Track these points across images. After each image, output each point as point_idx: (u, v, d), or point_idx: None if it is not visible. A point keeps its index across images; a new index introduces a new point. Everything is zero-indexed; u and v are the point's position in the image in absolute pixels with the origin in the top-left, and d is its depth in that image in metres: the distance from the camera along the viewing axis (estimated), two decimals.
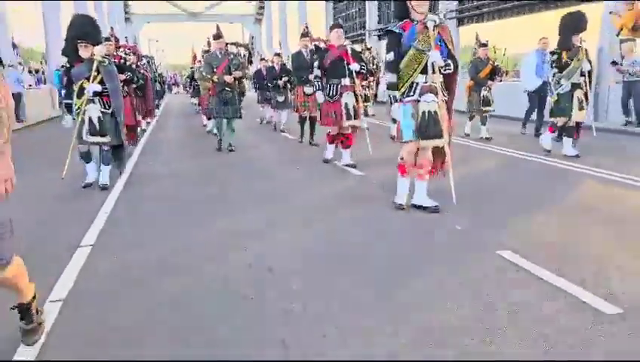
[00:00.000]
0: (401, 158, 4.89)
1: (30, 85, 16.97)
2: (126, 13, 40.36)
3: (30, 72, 19.98)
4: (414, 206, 4.88)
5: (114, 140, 5.99)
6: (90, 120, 5.79)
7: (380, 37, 22.71)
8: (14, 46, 17.21)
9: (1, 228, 2.27)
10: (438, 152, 4.87)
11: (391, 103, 4.86)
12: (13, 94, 12.08)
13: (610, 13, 11.31)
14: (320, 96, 7.11)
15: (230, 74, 8.50)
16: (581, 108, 7.45)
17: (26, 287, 2.60)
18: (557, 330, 2.58)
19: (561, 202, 5.24)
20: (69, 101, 6.02)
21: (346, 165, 7.08)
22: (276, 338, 2.56)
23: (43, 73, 21.33)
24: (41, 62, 22.47)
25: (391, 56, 4.70)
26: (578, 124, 7.64)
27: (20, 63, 16.82)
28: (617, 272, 3.32)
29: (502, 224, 4.43)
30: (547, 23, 9.71)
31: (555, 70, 7.41)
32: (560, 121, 7.63)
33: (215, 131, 9.57)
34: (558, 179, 6.38)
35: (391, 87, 4.77)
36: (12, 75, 14.49)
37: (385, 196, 5.27)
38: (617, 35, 10.97)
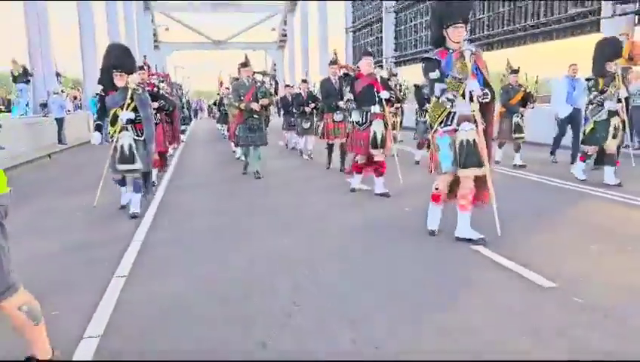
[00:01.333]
0: (436, 188, 4.83)
1: (69, 111, 17.75)
2: (155, 41, 41.81)
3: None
4: (459, 238, 4.71)
5: (146, 167, 6.02)
6: (122, 148, 5.84)
7: (396, 63, 23.33)
8: (58, 75, 18.07)
9: None
10: (478, 182, 4.73)
11: (423, 132, 4.72)
12: (57, 119, 12.42)
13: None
14: (356, 115, 6.96)
15: (257, 101, 8.54)
16: (614, 137, 7.24)
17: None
18: None
19: (609, 234, 5.03)
20: (99, 122, 6.12)
21: (380, 193, 6.95)
22: None
23: (80, 100, 22.27)
24: (78, 90, 23.50)
25: (436, 73, 4.58)
26: (617, 151, 7.39)
27: (62, 91, 17.75)
28: None
29: (548, 256, 4.25)
30: (567, 50, 9.76)
31: (596, 93, 7.22)
32: (591, 150, 7.41)
33: (243, 158, 9.61)
34: (603, 208, 6.15)
35: (445, 91, 4.55)
36: (57, 102, 15.21)
37: (419, 224, 5.14)
38: (616, 64, 11.09)
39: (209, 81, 55.09)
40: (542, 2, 14.47)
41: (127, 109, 5.81)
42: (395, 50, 24.18)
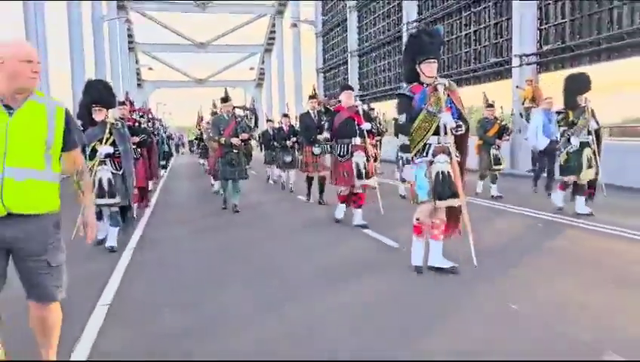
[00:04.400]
0: (417, 219, 4.82)
1: None
2: (138, 80, 43.39)
3: None
4: (431, 268, 4.75)
5: (123, 201, 5.96)
6: (100, 182, 5.80)
7: (363, 100, 25.37)
8: None
9: (63, 265, 2.71)
10: (452, 212, 4.80)
11: (403, 165, 4.82)
12: None
13: (517, 87, 14.52)
14: (327, 159, 7.18)
15: (237, 136, 8.59)
16: (589, 167, 7.43)
17: (56, 343, 2.77)
18: None
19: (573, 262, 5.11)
20: None
21: (358, 225, 6.99)
22: None
23: None
24: None
25: (403, 118, 4.72)
26: (591, 182, 7.57)
27: None
28: None
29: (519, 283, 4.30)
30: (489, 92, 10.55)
31: (565, 128, 7.45)
32: (570, 179, 7.61)
33: (221, 192, 9.58)
34: (573, 237, 6.27)
35: (404, 148, 4.75)
36: None
37: (400, 258, 5.15)
38: (522, 104, 13.68)
39: (190, 116, 55.74)
40: (471, 52, 18.17)
41: (106, 143, 5.80)
42: (360, 90, 26.20)
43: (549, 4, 14.26)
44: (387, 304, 4.03)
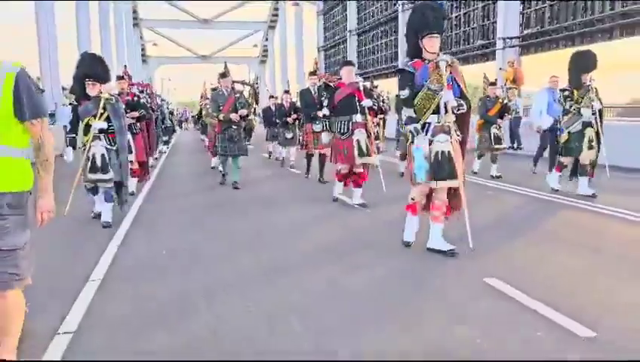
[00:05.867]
0: (412, 199, 4.75)
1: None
2: (143, 56, 43.48)
3: None
4: (430, 249, 4.68)
5: (116, 176, 5.91)
6: (94, 157, 5.74)
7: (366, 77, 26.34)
8: (63, 89, 18.30)
9: (20, 250, 2.44)
10: (452, 193, 4.70)
11: (413, 137, 4.59)
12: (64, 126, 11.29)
13: (500, 69, 15.17)
14: (325, 137, 7.17)
15: (236, 112, 8.47)
16: (590, 148, 7.29)
17: (16, 331, 2.54)
18: None
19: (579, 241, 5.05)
20: (73, 135, 6.00)
21: (358, 204, 6.91)
22: None
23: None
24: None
25: (406, 92, 4.60)
26: (591, 163, 7.44)
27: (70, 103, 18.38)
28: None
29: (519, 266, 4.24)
30: (556, 61, 10.48)
31: (571, 102, 7.30)
32: (567, 160, 7.48)
33: (220, 168, 9.52)
34: (576, 218, 6.19)
35: (411, 120, 4.58)
36: (65, 112, 15.11)
37: (394, 237, 5.10)
38: (504, 85, 13.99)
39: (194, 91, 55.70)
40: (461, 34, 18.98)
41: (99, 119, 5.72)
42: (358, 68, 26.35)
43: None
44: (385, 283, 4.00)
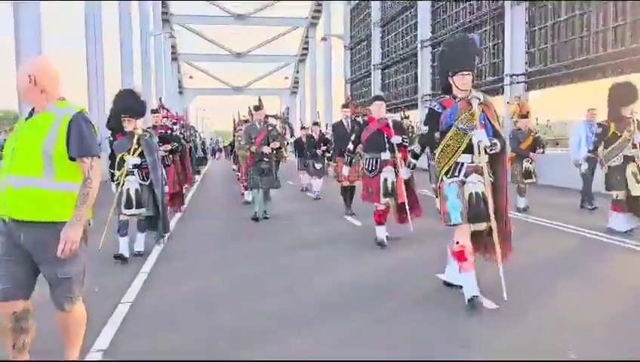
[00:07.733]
0: (457, 243, 4.28)
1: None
2: (180, 87, 46.37)
3: None
4: (446, 284, 4.59)
5: (150, 211, 5.98)
6: (128, 193, 5.83)
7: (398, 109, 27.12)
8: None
9: (74, 277, 2.76)
10: (479, 235, 4.47)
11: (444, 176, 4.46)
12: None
13: (507, 103, 15.90)
14: (345, 170, 7.37)
15: (268, 145, 8.50)
16: (638, 182, 6.95)
17: (77, 343, 2.89)
18: None
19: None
20: (112, 171, 6.15)
21: (378, 243, 6.59)
22: None
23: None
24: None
25: (425, 129, 4.70)
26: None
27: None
28: None
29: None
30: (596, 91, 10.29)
31: (596, 140, 7.18)
32: (620, 194, 7.02)
33: (251, 201, 9.47)
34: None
35: (414, 156, 5.02)
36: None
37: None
38: (511, 118, 14.17)
39: (228, 121, 57.55)
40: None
41: (134, 154, 5.84)
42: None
43: (535, 30, 16.33)
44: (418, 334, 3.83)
